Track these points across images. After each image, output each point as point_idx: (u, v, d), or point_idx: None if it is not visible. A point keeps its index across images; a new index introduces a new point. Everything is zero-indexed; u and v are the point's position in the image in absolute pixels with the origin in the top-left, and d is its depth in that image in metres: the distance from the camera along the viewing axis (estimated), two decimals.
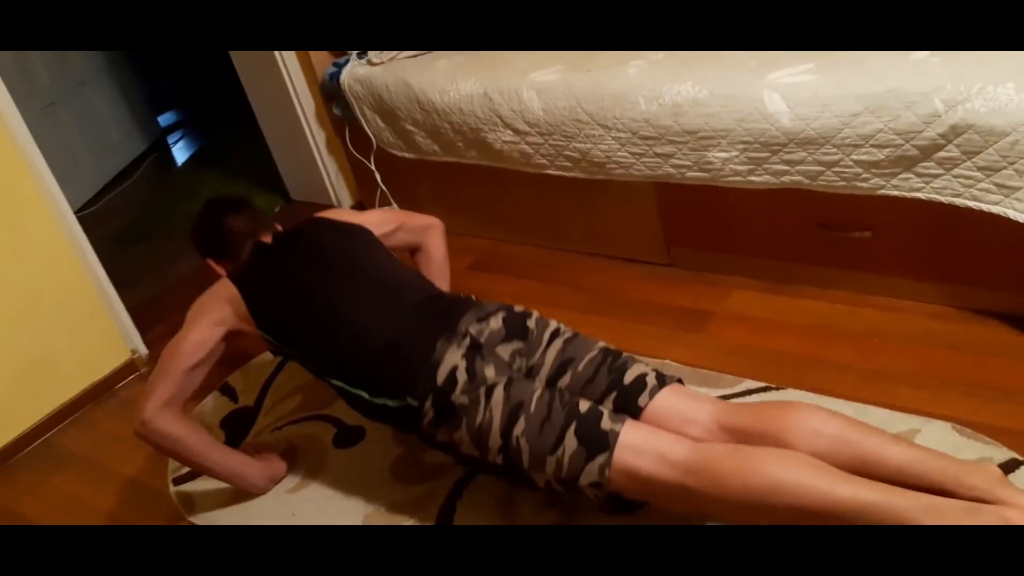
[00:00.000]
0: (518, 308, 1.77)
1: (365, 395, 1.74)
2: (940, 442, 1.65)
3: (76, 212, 2.71)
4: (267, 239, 2.01)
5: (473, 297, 1.84)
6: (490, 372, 1.62)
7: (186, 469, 2.15)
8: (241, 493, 2.01)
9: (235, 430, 2.24)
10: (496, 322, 1.71)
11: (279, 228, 2.05)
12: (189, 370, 1.86)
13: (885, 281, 2.11)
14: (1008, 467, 1.58)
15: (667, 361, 2.06)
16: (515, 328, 1.72)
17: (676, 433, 1.50)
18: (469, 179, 2.77)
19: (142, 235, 3.74)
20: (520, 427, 1.54)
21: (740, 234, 2.29)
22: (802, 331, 2.09)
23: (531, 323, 1.75)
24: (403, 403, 1.67)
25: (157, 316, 2.90)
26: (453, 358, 1.63)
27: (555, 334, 1.74)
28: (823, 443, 1.43)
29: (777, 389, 1.89)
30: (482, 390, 1.59)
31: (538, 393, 1.57)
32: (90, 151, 4.30)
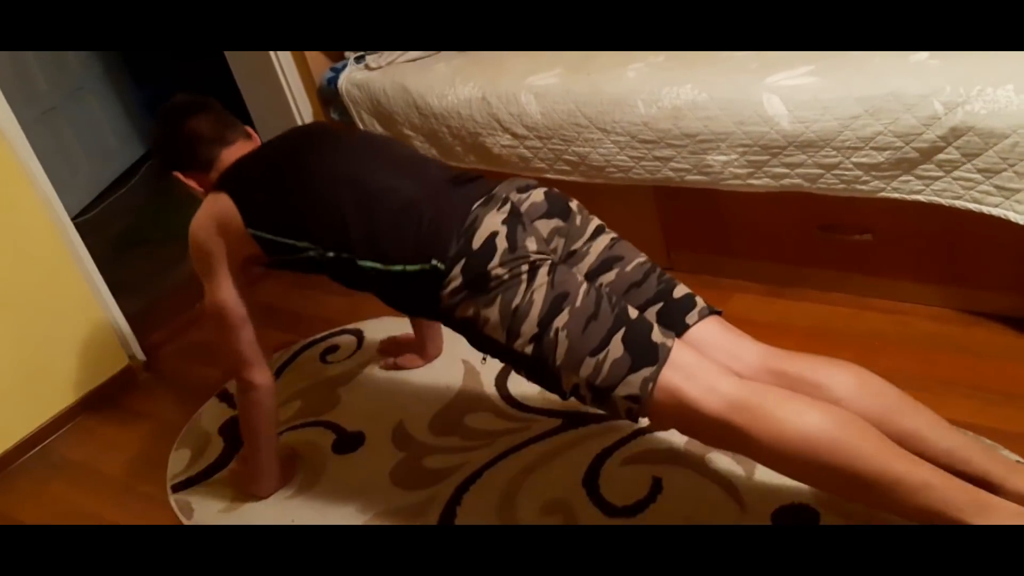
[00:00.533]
0: (557, 189, 1.62)
1: (378, 265, 1.54)
2: None
3: (73, 218, 2.71)
4: (245, 149, 1.85)
5: None
6: (532, 244, 1.45)
7: (185, 475, 2.15)
8: (240, 498, 2.00)
9: (233, 437, 2.23)
10: (538, 195, 1.55)
11: (252, 133, 1.93)
12: (245, 319, 1.81)
13: (886, 284, 2.10)
14: None
15: None
16: (558, 206, 1.56)
17: (721, 365, 1.39)
18: None
19: (140, 241, 3.73)
20: (563, 319, 1.39)
21: (740, 237, 2.29)
22: (803, 334, 2.08)
23: (573, 206, 1.60)
24: (425, 267, 1.48)
25: (155, 322, 2.89)
26: (492, 222, 1.46)
27: (601, 229, 1.60)
28: (874, 408, 1.34)
29: None
30: (524, 267, 1.43)
31: (584, 287, 1.43)
32: (87, 157, 4.30)
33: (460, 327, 1.53)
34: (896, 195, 1.93)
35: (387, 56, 2.83)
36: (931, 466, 1.26)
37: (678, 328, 1.46)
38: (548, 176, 2.47)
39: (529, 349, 1.43)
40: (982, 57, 1.77)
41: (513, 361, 1.49)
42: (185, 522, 2.00)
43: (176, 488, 2.12)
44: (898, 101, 1.81)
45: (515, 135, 2.45)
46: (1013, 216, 1.78)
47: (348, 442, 2.12)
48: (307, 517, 1.91)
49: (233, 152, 1.85)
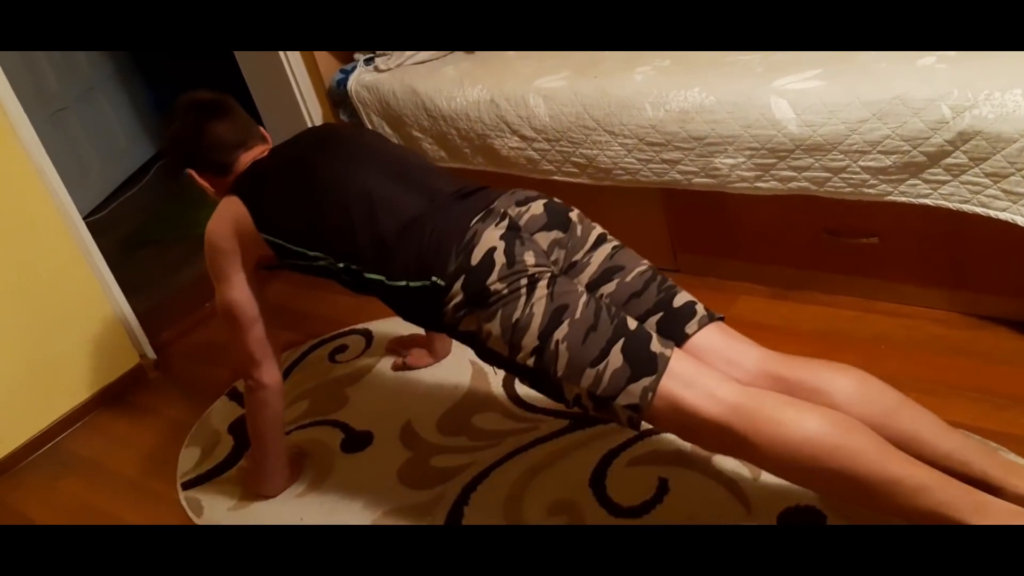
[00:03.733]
0: (558, 200, 1.64)
1: (383, 279, 1.58)
2: None
3: (85, 217, 2.73)
4: (262, 152, 1.88)
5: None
6: (529, 258, 1.47)
7: (195, 473, 2.16)
8: (249, 496, 2.02)
9: (243, 435, 2.24)
10: (537, 207, 1.57)
11: (269, 141, 1.95)
12: (256, 319, 1.83)
13: (892, 287, 2.11)
14: None
15: None
16: (557, 217, 1.58)
17: (720, 371, 1.41)
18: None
19: (150, 240, 3.76)
20: (563, 331, 1.41)
21: (747, 240, 2.30)
22: (809, 337, 2.09)
23: (574, 216, 1.61)
24: (427, 283, 1.51)
25: (165, 321, 2.91)
26: (491, 238, 1.48)
27: (603, 238, 1.61)
28: (874, 412, 1.35)
29: None
30: (523, 280, 1.45)
31: (584, 299, 1.44)
32: (99, 157, 4.33)
33: (464, 340, 1.55)
34: (903, 199, 1.93)
35: (396, 58, 2.84)
36: (929, 468, 1.27)
37: (678, 337, 1.48)
38: (556, 178, 2.48)
39: (531, 361, 1.45)
40: (990, 61, 1.77)
41: (517, 372, 1.51)
42: (195, 520, 2.02)
43: (186, 486, 2.14)
44: (905, 105, 1.81)
45: (523, 137, 2.46)
46: (1021, 220, 1.78)
47: (356, 441, 2.13)
48: (316, 515, 1.92)
49: (249, 155, 1.88)
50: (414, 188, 1.64)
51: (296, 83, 3.06)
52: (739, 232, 2.30)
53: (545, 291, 1.44)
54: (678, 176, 2.22)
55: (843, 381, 1.40)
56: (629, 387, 1.38)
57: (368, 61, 2.92)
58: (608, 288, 1.55)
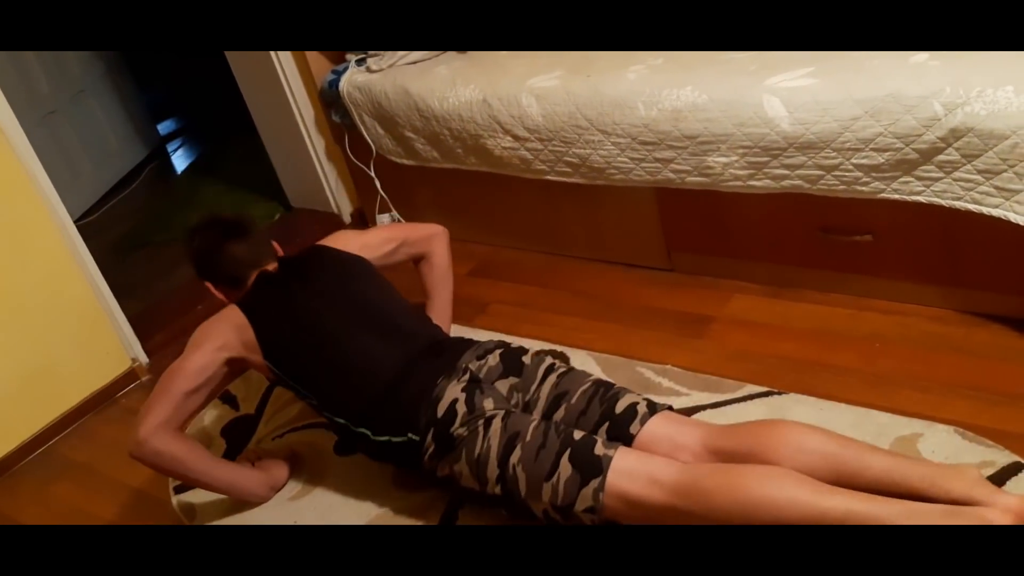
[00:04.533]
0: (515, 345, 1.85)
1: (368, 434, 1.78)
2: (943, 446, 1.65)
3: (76, 221, 2.71)
4: (271, 267, 2.02)
5: (472, 339, 1.89)
6: (488, 404, 1.67)
7: None
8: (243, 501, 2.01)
9: (236, 438, 2.23)
10: (494, 359, 1.78)
11: (280, 253, 2.08)
12: (188, 393, 1.85)
13: (886, 285, 2.10)
14: (1011, 470, 1.57)
15: (668, 366, 2.06)
16: (512, 364, 1.78)
17: (667, 457, 1.55)
18: (469, 185, 2.77)
19: (142, 243, 3.74)
20: (517, 455, 1.59)
21: (741, 239, 2.29)
22: (804, 335, 2.09)
23: (527, 359, 1.80)
24: (405, 439, 1.72)
25: (158, 324, 2.90)
26: (453, 392, 1.69)
27: (549, 370, 1.79)
28: (807, 458, 1.47)
29: (779, 394, 1.88)
30: (480, 422, 1.64)
31: (535, 424, 1.62)
32: (90, 159, 4.31)
33: (444, 484, 1.75)
34: (896, 196, 1.93)
35: (388, 58, 2.83)
36: (854, 494, 1.38)
37: (626, 439, 1.62)
38: (549, 178, 2.48)
39: (498, 489, 1.62)
40: (982, 58, 1.77)
41: (492, 504, 1.67)
42: (187, 524, 2.01)
43: (178, 490, 2.13)
44: (898, 102, 1.81)
45: (516, 137, 2.46)
46: (1013, 217, 1.78)
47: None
48: (309, 519, 1.91)
49: (261, 271, 2.02)
50: (397, 347, 1.83)
51: (288, 84, 3.05)
52: (733, 230, 2.29)
53: (500, 424, 1.63)
54: (671, 175, 2.22)
55: (775, 438, 1.53)
56: (582, 491, 1.52)
57: (360, 62, 2.90)
58: (559, 414, 1.71)
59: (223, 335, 1.89)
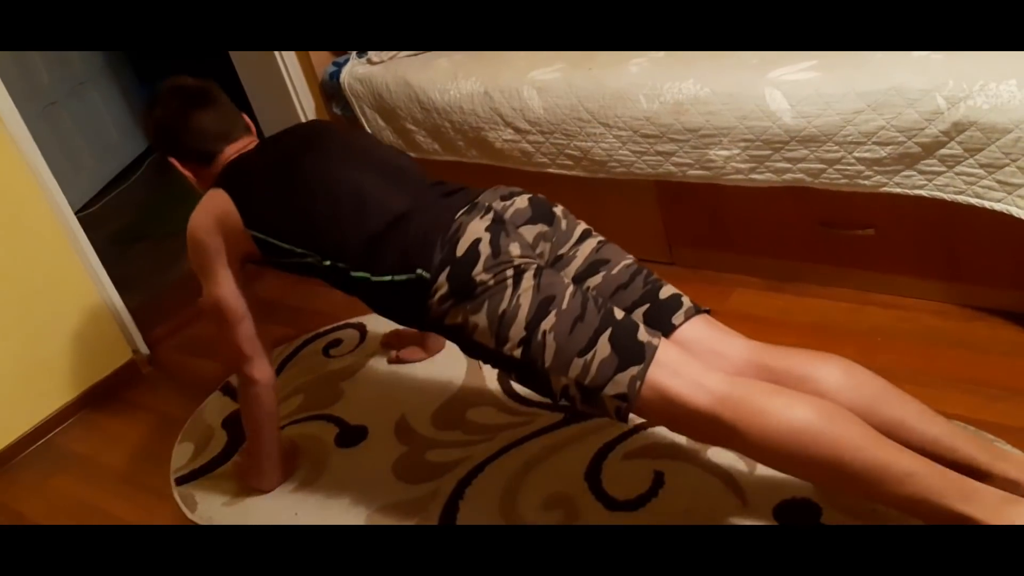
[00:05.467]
0: (541, 195, 1.65)
1: (368, 276, 1.58)
2: None
3: (76, 212, 2.71)
4: (246, 144, 1.86)
5: None
6: (515, 249, 1.47)
7: (189, 469, 2.15)
8: (244, 492, 2.01)
9: (237, 431, 2.24)
10: (522, 201, 1.59)
11: (251, 127, 1.93)
12: (244, 316, 1.81)
13: (887, 279, 2.10)
14: None
15: None
16: (542, 211, 1.59)
17: (707, 362, 1.42)
18: (470, 178, 2.75)
19: (142, 235, 3.74)
20: (550, 322, 1.41)
21: (742, 232, 2.29)
22: (804, 329, 2.08)
23: (558, 211, 1.63)
24: (412, 276, 1.51)
25: (158, 316, 2.90)
26: (476, 230, 1.48)
27: (588, 233, 1.62)
28: (861, 400, 1.36)
29: None
30: (509, 271, 1.45)
31: (571, 290, 1.44)
32: (90, 151, 4.30)
33: (450, 334, 1.55)
34: (898, 190, 1.93)
35: (389, 51, 2.83)
36: (915, 455, 1.28)
37: (665, 328, 1.48)
38: (550, 171, 2.47)
39: (518, 353, 1.45)
40: (984, 52, 1.76)
41: (504, 365, 1.51)
42: (189, 515, 2.01)
43: (180, 481, 2.13)
44: (900, 96, 1.81)
45: (517, 130, 2.45)
46: (1015, 211, 1.78)
47: (351, 436, 2.12)
48: (310, 510, 1.92)
49: (234, 147, 1.86)
50: (400, 186, 1.65)
51: (289, 76, 3.04)
52: (734, 224, 2.29)
53: (532, 282, 1.44)
54: (673, 168, 2.22)
55: (829, 369, 1.41)
56: (617, 376, 1.38)
57: (361, 53, 2.90)
58: (595, 281, 1.55)
59: (217, 245, 1.75)
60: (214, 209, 1.75)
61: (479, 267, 1.45)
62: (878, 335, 2.00)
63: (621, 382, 1.38)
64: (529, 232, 1.55)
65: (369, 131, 2.88)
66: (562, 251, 1.59)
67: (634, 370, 1.37)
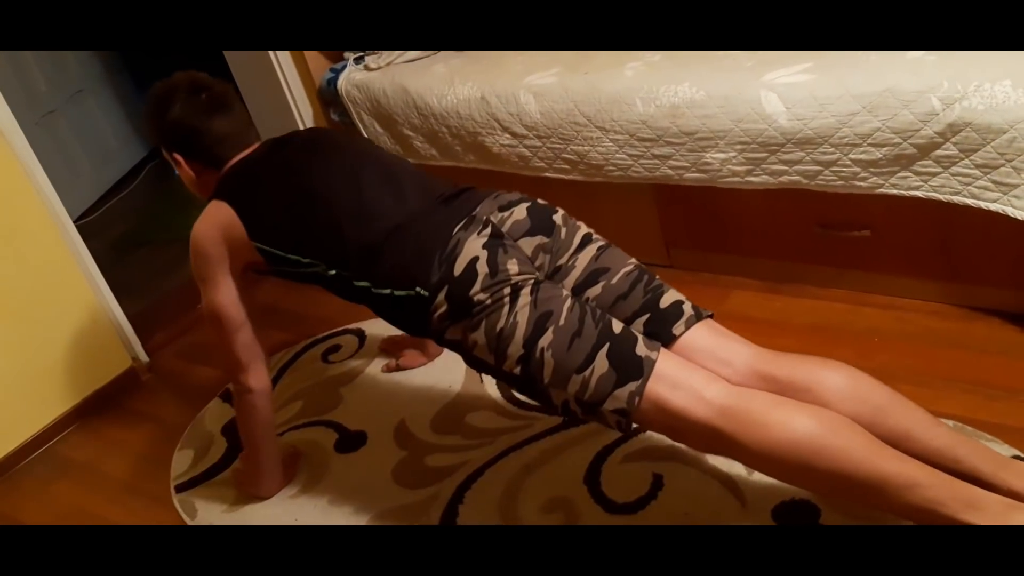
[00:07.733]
0: (541, 201, 1.63)
1: (369, 286, 1.58)
2: None
3: (75, 220, 2.72)
4: (253, 148, 1.86)
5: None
6: (513, 266, 1.47)
7: (189, 476, 2.15)
8: (244, 498, 2.01)
9: (237, 437, 2.23)
10: (520, 212, 1.56)
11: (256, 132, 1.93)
12: (242, 324, 1.82)
13: (885, 280, 2.11)
14: None
15: None
16: (541, 221, 1.57)
17: (708, 371, 1.40)
18: (468, 183, 2.76)
19: (142, 242, 3.74)
20: (547, 339, 1.40)
21: (739, 235, 2.30)
22: (802, 331, 2.09)
23: (558, 219, 1.60)
24: (411, 293, 1.52)
25: (158, 323, 2.90)
26: (473, 247, 1.48)
27: (587, 239, 1.60)
28: (864, 408, 1.35)
29: None
30: (506, 290, 1.44)
31: (568, 304, 1.44)
32: (89, 159, 4.31)
33: (451, 347, 1.56)
34: (894, 191, 1.93)
35: (386, 57, 2.84)
36: (919, 464, 1.27)
37: (666, 338, 1.47)
38: (547, 175, 2.48)
39: (518, 370, 1.45)
40: (979, 53, 1.77)
41: (505, 380, 1.51)
42: (189, 522, 2.01)
43: (180, 488, 2.13)
44: (895, 97, 1.81)
45: (514, 134, 2.46)
46: (1011, 211, 1.78)
47: (350, 441, 2.12)
48: (310, 516, 1.92)
49: (243, 154, 1.86)
50: (401, 193, 1.65)
51: (286, 82, 3.05)
52: (731, 227, 2.30)
53: (528, 298, 1.44)
54: (669, 171, 2.22)
55: (834, 378, 1.40)
56: (616, 392, 1.38)
57: (358, 60, 2.91)
58: (594, 291, 1.54)
59: (220, 254, 1.76)
60: (219, 220, 1.76)
61: (476, 287, 1.45)
62: (876, 336, 2.01)
63: (620, 397, 1.37)
64: (528, 245, 1.54)
65: (367, 137, 2.88)
66: (561, 261, 1.58)
67: (632, 385, 1.37)
